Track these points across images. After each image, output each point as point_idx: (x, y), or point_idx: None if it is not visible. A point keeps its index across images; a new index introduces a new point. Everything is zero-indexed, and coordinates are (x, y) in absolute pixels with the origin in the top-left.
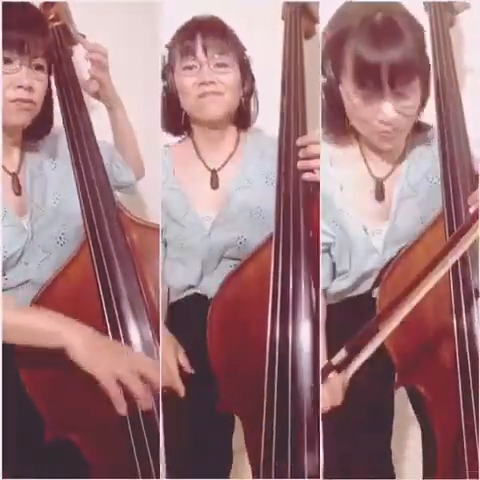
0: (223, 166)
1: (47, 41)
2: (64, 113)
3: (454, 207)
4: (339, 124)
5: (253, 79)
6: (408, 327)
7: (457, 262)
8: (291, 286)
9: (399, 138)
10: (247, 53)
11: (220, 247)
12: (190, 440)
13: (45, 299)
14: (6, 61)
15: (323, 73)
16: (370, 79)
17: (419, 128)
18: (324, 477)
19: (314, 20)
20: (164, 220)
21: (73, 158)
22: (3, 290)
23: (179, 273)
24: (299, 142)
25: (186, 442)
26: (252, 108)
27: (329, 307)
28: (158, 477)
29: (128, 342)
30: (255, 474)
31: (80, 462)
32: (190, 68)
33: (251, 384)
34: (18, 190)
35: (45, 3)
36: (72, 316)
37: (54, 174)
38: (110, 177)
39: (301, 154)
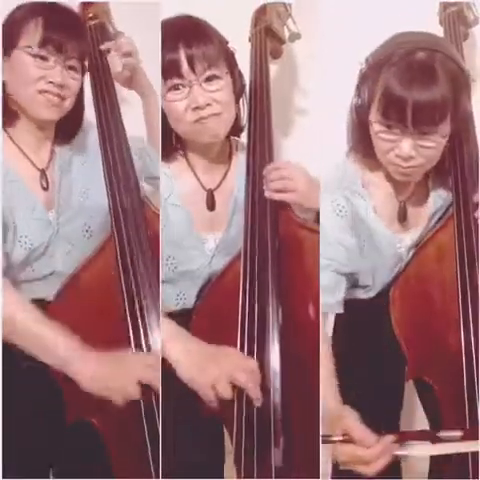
0: (219, 186)
1: (83, 44)
2: (96, 108)
3: (463, 207)
4: (365, 146)
5: (240, 74)
6: (419, 321)
7: (464, 257)
8: (256, 297)
9: (415, 175)
10: (229, 45)
11: (218, 273)
12: (183, 441)
13: (69, 290)
14: (42, 58)
15: (358, 95)
16: (394, 113)
17: (440, 172)
18: (332, 477)
19: (280, 41)
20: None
21: (103, 153)
22: (30, 281)
23: (171, 297)
24: (265, 172)
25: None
26: (241, 111)
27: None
28: (158, 477)
29: (147, 334)
30: (238, 474)
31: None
32: (177, 88)
33: None
34: (46, 185)
35: (84, 2)
36: (94, 308)
37: (83, 169)
38: (143, 168)
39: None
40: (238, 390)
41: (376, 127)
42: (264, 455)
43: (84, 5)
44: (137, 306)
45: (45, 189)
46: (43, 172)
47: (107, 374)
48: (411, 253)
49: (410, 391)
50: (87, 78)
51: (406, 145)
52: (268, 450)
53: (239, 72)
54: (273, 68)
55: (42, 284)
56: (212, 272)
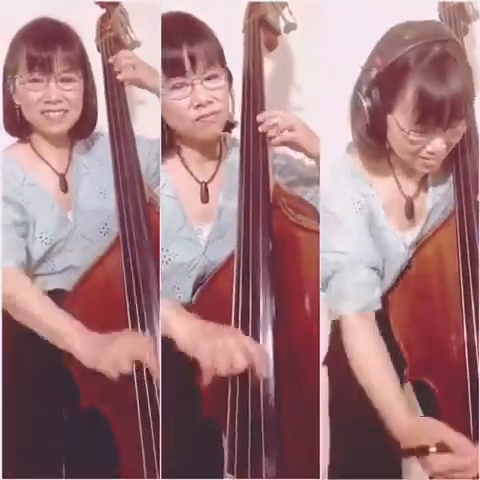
0: (212, 179)
1: (72, 53)
2: (107, 114)
3: (465, 205)
4: (377, 148)
5: (229, 70)
6: (418, 322)
7: (467, 260)
8: (251, 297)
9: (439, 163)
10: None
11: (215, 265)
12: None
13: (83, 285)
14: (35, 81)
15: (369, 98)
16: (432, 117)
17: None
18: (329, 477)
19: (275, 32)
20: None
21: (112, 155)
22: (50, 274)
23: (167, 292)
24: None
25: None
26: (230, 106)
27: None
28: (158, 477)
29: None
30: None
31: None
32: (179, 87)
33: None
34: (65, 188)
35: (103, 16)
36: (104, 304)
37: (101, 172)
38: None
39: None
40: (232, 392)
41: (411, 136)
42: (257, 460)
43: (103, 17)
44: (137, 307)
45: (64, 191)
46: (62, 176)
47: (100, 347)
48: (411, 252)
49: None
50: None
51: (439, 143)
52: (260, 453)
53: (227, 68)
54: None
55: (61, 276)
56: (208, 263)
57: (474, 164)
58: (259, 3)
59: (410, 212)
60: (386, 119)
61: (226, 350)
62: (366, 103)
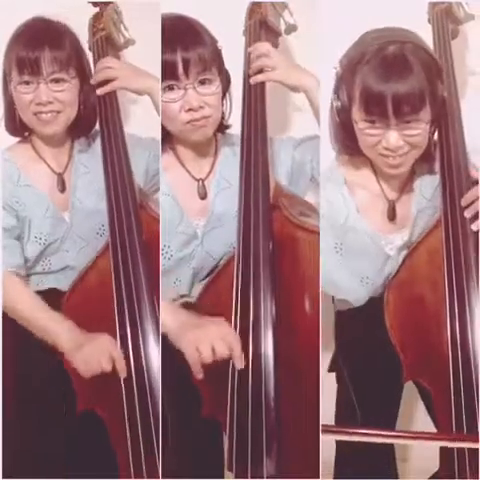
0: (207, 176)
1: (63, 53)
2: (99, 115)
3: (450, 209)
4: (352, 145)
5: (227, 72)
6: (413, 324)
7: (451, 263)
8: (252, 297)
9: (405, 165)
10: (218, 45)
11: (214, 256)
12: (182, 442)
13: (78, 285)
14: (25, 83)
15: (337, 97)
16: (375, 108)
17: (425, 158)
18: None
19: (276, 34)
20: None
21: (103, 157)
22: (47, 273)
23: (168, 288)
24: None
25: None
26: (226, 108)
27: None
28: (158, 477)
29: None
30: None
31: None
32: (172, 89)
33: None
34: (62, 188)
35: (95, 15)
36: (98, 305)
37: (99, 172)
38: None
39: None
40: (231, 389)
41: (360, 125)
42: (258, 460)
43: (96, 16)
44: (127, 308)
45: (62, 191)
46: (60, 176)
47: (78, 345)
48: (402, 255)
49: (410, 393)
50: None
51: (392, 137)
52: (261, 454)
53: (226, 70)
54: None
55: (58, 276)
56: (205, 254)
57: (459, 169)
58: (260, 5)
59: (392, 215)
60: (350, 116)
61: (207, 338)
62: (335, 103)
